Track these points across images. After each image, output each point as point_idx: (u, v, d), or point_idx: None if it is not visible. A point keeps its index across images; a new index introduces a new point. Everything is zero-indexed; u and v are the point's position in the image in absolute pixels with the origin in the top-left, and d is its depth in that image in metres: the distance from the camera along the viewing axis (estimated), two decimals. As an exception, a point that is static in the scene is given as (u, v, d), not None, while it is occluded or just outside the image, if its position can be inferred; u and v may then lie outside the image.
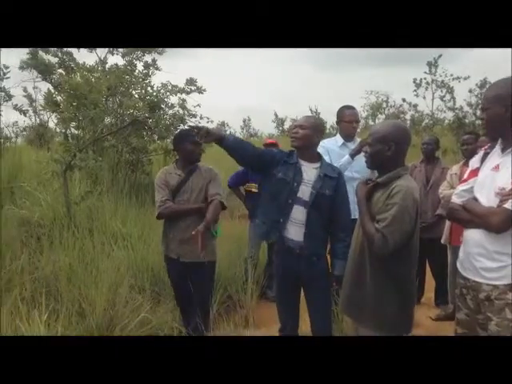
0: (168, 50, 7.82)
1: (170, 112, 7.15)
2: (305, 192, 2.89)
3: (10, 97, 7.09)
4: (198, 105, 7.23)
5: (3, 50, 4.41)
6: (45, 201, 5.50)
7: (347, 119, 3.97)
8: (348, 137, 4.00)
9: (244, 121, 23.43)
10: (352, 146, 3.91)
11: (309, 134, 2.95)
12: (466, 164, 4.27)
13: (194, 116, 7.12)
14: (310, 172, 2.95)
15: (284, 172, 2.93)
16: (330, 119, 19.23)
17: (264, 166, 3.00)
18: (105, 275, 3.95)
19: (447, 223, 4.36)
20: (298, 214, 2.89)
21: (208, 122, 7.24)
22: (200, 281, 3.47)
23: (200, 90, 7.40)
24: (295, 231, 2.91)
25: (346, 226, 2.92)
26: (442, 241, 4.46)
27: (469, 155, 4.23)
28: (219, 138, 2.84)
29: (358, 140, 3.94)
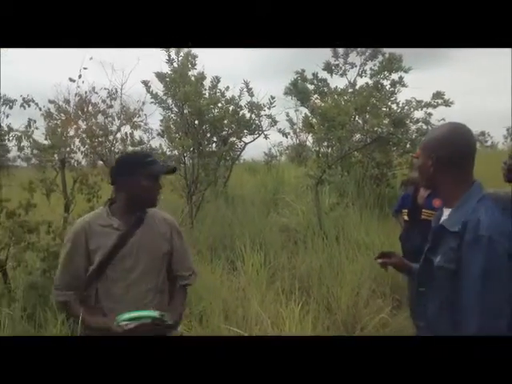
0: (414, 67, 7.95)
1: (414, 127, 7.28)
2: None
3: (275, 122, 8.42)
4: (443, 119, 7.13)
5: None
6: (300, 211, 6.40)
7: None
8: None
9: (508, 129, 21.04)
10: None
11: None
12: None
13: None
14: None
15: None
16: None
17: None
18: (349, 278, 4.43)
19: None
20: None
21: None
22: None
23: (447, 103, 7.29)
24: None
25: None
26: None
27: None
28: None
29: None
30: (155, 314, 1.89)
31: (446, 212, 1.60)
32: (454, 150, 1.55)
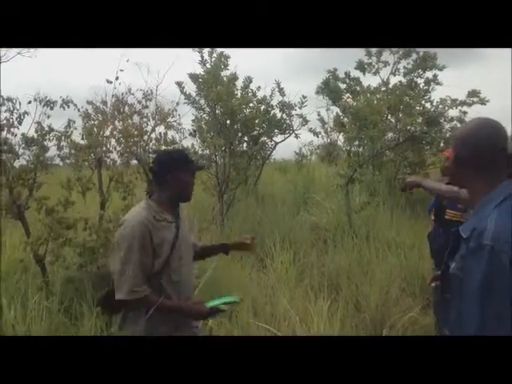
0: (450, 64, 7.82)
1: (448, 126, 7.17)
2: None
3: (306, 122, 8.43)
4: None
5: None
6: (330, 209, 6.41)
7: None
8: None
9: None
10: None
11: None
12: None
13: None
14: None
15: None
16: None
17: None
18: (378, 277, 4.42)
19: None
20: None
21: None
22: None
23: (483, 102, 7.15)
24: None
25: None
26: None
27: None
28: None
29: None
30: (237, 298, 2.25)
31: None
32: (474, 149, 1.44)
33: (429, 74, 8.08)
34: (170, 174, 2.16)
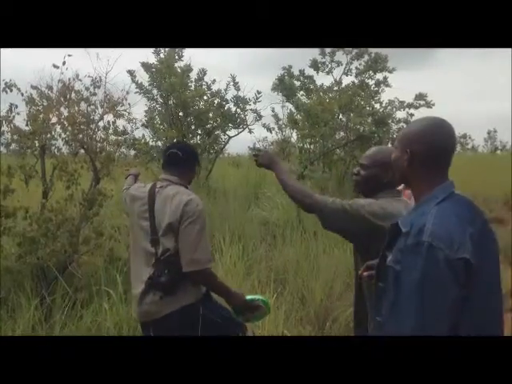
0: (397, 67, 8.08)
1: (395, 127, 7.42)
2: None
3: (260, 117, 8.46)
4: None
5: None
6: (281, 205, 6.48)
7: None
8: None
9: (489, 133, 21.58)
10: None
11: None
12: None
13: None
14: None
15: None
16: None
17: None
18: (324, 271, 4.52)
19: None
20: None
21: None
22: None
23: (429, 105, 7.45)
24: None
25: None
26: None
27: None
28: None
29: None
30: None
31: None
32: (429, 147, 1.46)
33: (379, 76, 8.34)
34: (195, 163, 2.49)
